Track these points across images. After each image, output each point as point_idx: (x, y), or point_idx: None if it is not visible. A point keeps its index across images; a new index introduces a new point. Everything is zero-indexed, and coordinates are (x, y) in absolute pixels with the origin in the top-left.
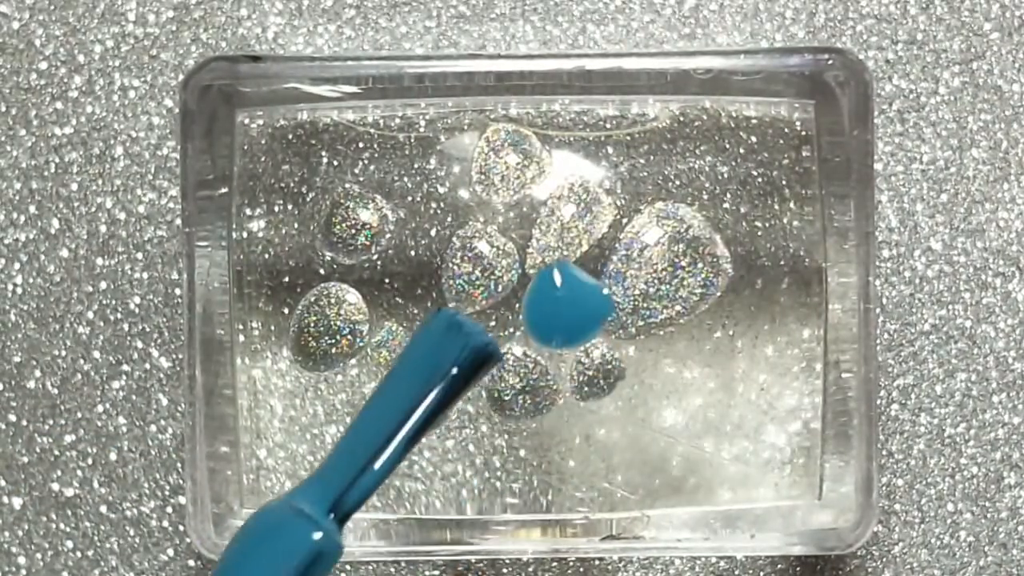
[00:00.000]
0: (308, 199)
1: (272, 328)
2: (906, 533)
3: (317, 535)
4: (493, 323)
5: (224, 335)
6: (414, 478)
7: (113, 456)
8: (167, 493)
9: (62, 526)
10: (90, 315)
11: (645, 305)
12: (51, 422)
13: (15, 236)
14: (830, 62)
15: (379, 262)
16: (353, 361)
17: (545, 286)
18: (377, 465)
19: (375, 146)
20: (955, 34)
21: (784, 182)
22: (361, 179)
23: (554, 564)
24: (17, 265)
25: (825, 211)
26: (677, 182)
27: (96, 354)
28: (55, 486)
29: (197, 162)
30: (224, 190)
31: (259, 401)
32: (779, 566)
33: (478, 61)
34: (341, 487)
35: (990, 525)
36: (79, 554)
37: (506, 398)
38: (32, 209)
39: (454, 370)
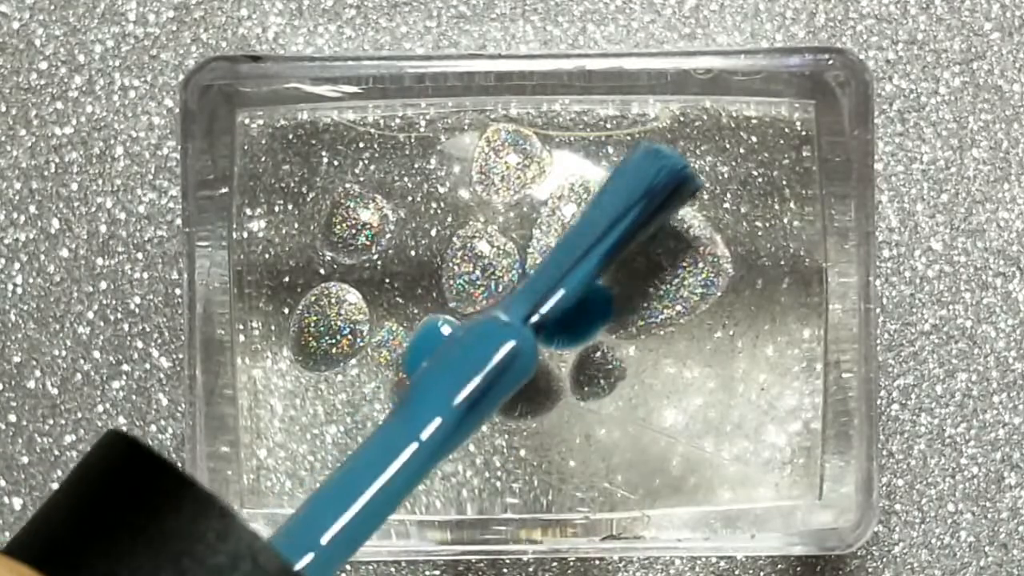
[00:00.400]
0: (308, 199)
1: (272, 328)
2: (906, 533)
3: (511, 340)
4: None
5: (224, 335)
6: None
7: None
8: None
9: None
10: (90, 315)
11: (645, 305)
12: (51, 422)
13: (15, 236)
14: (830, 62)
15: (379, 262)
16: (353, 361)
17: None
18: (573, 276)
19: (375, 146)
20: (955, 34)
21: (784, 182)
22: (361, 179)
23: (554, 564)
24: (17, 265)
25: (825, 211)
26: None
27: (96, 354)
28: (55, 486)
29: (197, 162)
30: (224, 190)
31: (259, 401)
32: (779, 566)
33: (478, 61)
34: (538, 297)
35: (990, 525)
36: None
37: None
38: (32, 209)
39: (651, 189)
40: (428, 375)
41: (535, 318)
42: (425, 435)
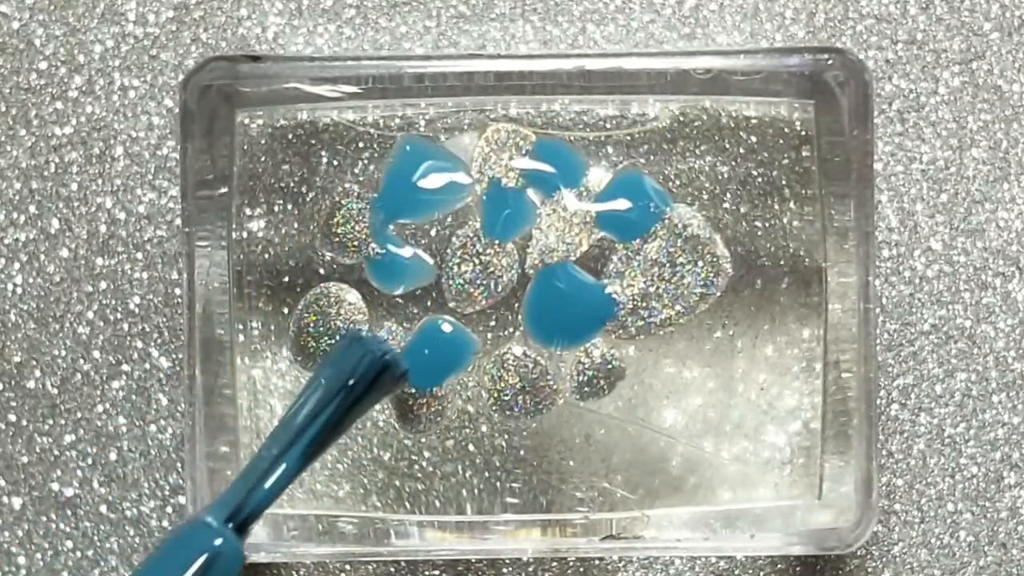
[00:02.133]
0: (308, 199)
1: (272, 328)
2: (906, 533)
3: (217, 540)
4: (493, 323)
5: (224, 335)
6: (414, 478)
7: (113, 456)
8: (167, 493)
9: (62, 526)
10: (90, 315)
11: (645, 305)
12: (51, 422)
13: (15, 236)
14: (830, 62)
15: None
16: None
17: (546, 286)
18: (271, 478)
19: (375, 146)
20: (955, 34)
21: (784, 182)
22: (361, 179)
23: (554, 564)
24: (17, 265)
25: (825, 211)
26: (677, 182)
27: (96, 354)
28: (55, 486)
29: (197, 162)
30: (224, 190)
31: (259, 401)
32: (779, 566)
33: (478, 61)
34: (240, 498)
35: (990, 525)
36: (79, 554)
37: (506, 398)
38: (32, 209)
39: (351, 380)
40: None
41: (239, 518)
42: None
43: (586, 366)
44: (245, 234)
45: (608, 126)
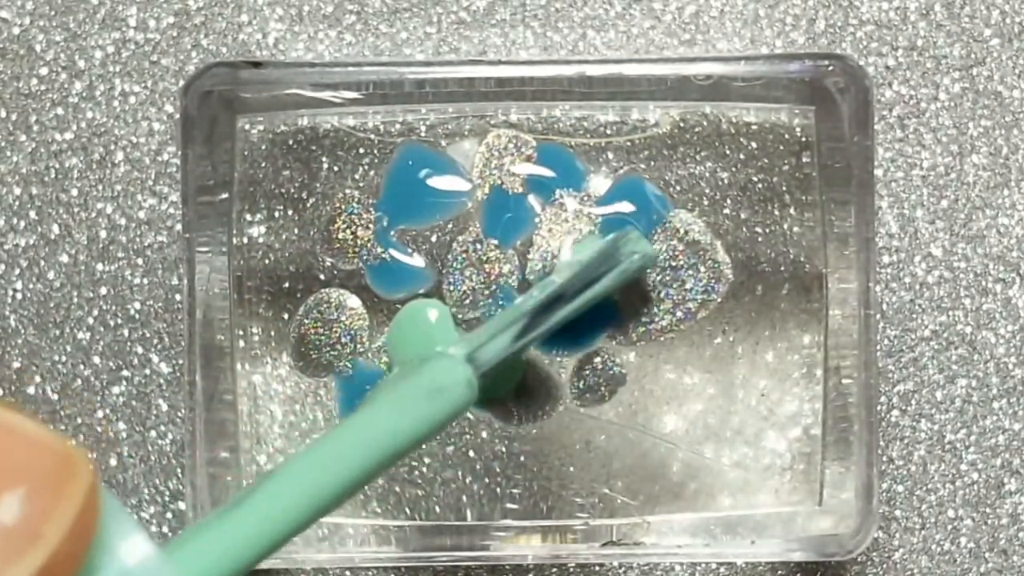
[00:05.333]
0: (309, 205)
1: (272, 334)
2: (906, 539)
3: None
4: None
5: (224, 340)
6: (414, 483)
7: (113, 462)
8: (167, 499)
9: None
10: (90, 320)
11: (645, 311)
12: (51, 427)
13: (15, 241)
14: (830, 68)
15: None
16: None
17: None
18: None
19: (376, 152)
20: (955, 40)
21: (784, 188)
22: (361, 185)
23: (554, 570)
24: (17, 271)
25: (825, 217)
26: (677, 188)
27: (96, 359)
28: None
29: (198, 167)
30: (225, 196)
31: (259, 407)
32: (779, 572)
33: (479, 67)
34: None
35: (991, 531)
36: None
37: (506, 404)
38: (32, 214)
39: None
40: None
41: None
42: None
43: (587, 372)
44: (246, 240)
45: (608, 132)
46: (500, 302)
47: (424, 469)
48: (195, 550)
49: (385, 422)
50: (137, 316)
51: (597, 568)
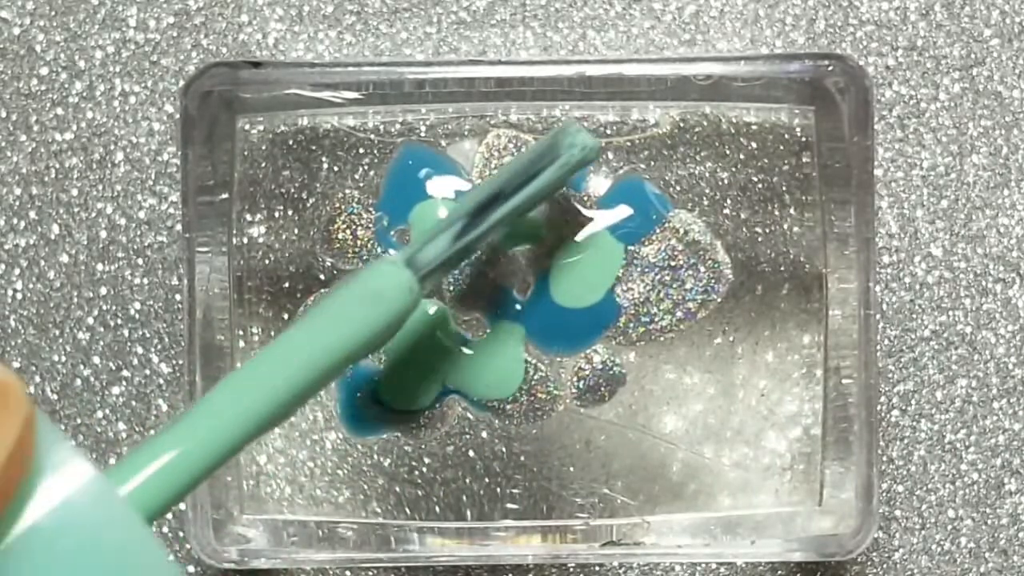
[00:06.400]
0: (308, 205)
1: (272, 333)
2: (907, 539)
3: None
4: None
5: (224, 340)
6: (414, 484)
7: (113, 462)
8: None
9: None
10: (90, 321)
11: (645, 311)
12: None
13: (15, 241)
14: (830, 68)
15: None
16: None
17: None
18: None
19: (375, 152)
20: (955, 40)
21: (784, 188)
22: (361, 185)
23: (554, 570)
24: (17, 271)
25: (825, 217)
26: (677, 188)
27: (96, 360)
28: None
29: (198, 168)
30: (225, 196)
31: None
32: (779, 572)
33: (478, 67)
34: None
35: (991, 531)
36: None
37: (506, 404)
38: (32, 215)
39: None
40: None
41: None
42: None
43: (587, 372)
44: (245, 240)
45: (608, 132)
46: (500, 302)
47: (424, 469)
48: (137, 469)
49: (324, 330)
50: (137, 316)
51: (597, 568)
